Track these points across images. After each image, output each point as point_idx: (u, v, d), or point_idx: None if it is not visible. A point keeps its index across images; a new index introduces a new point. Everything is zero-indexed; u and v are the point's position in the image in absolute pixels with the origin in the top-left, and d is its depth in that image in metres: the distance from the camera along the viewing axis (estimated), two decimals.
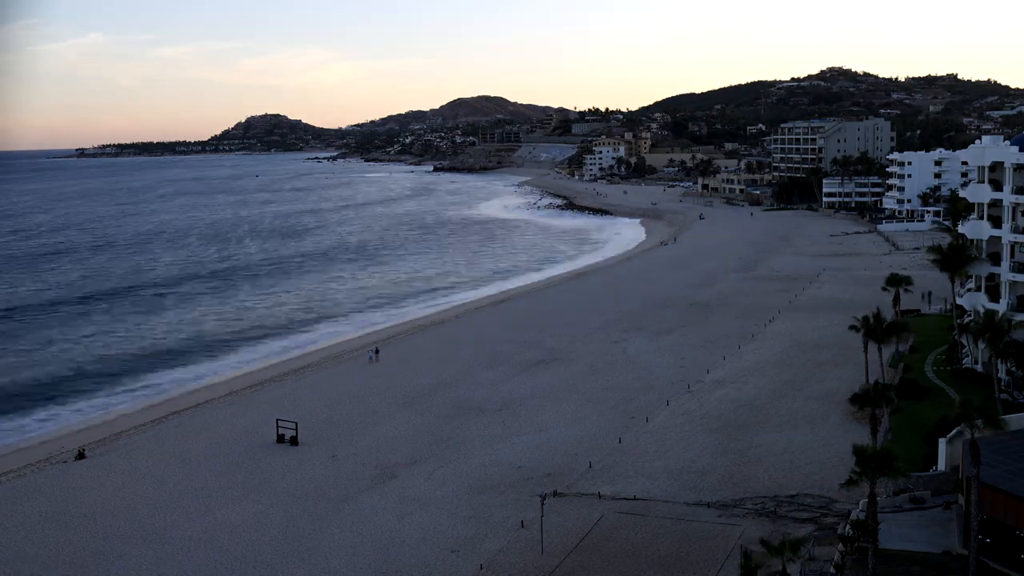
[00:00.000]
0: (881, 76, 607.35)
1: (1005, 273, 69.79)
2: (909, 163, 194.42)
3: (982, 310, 69.67)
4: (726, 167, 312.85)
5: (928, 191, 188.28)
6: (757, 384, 76.56)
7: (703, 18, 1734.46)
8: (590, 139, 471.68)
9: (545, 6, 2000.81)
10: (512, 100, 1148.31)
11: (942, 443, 48.65)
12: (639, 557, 46.53)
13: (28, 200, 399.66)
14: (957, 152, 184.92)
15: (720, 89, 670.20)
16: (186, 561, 48.79)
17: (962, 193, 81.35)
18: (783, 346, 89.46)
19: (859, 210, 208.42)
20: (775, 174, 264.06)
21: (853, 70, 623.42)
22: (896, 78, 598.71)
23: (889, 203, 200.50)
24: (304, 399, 79.23)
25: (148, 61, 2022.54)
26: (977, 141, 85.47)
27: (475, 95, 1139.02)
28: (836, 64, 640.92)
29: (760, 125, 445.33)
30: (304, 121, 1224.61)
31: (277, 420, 69.11)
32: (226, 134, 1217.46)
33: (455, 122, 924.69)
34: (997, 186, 71.03)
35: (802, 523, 48.63)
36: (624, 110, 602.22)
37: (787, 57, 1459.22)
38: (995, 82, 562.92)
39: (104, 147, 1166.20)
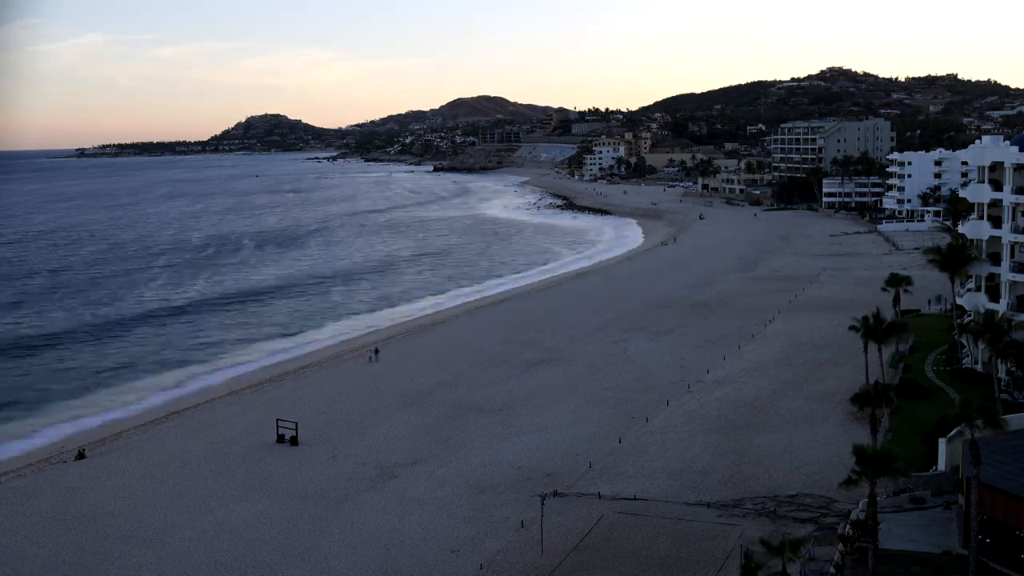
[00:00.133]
0: (881, 76, 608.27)
1: (1005, 273, 69.80)
2: (909, 163, 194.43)
3: (982, 310, 69.74)
4: (726, 167, 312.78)
5: (928, 191, 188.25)
6: (757, 384, 76.57)
7: (703, 18, 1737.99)
8: (590, 139, 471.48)
9: (545, 6, 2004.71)
10: (512, 100, 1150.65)
11: (942, 443, 48.62)
12: (639, 557, 46.52)
13: (27, 200, 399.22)
14: (957, 152, 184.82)
15: (720, 89, 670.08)
16: (186, 561, 48.80)
17: (962, 193, 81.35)
18: (783, 346, 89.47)
19: (859, 210, 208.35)
20: (775, 174, 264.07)
21: (853, 70, 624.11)
22: (896, 78, 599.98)
23: (889, 203, 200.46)
24: (304, 399, 79.23)
25: (148, 61, 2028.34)
26: (977, 141, 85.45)
27: (475, 95, 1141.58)
28: (836, 64, 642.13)
29: (760, 125, 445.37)
30: (304, 121, 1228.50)
31: (277, 420, 69.09)
32: (226, 134, 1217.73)
33: (455, 122, 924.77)
34: (997, 186, 71.05)
35: (802, 523, 48.62)
36: (624, 110, 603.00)
37: (787, 57, 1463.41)
38: (995, 82, 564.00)
39: (104, 147, 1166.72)
